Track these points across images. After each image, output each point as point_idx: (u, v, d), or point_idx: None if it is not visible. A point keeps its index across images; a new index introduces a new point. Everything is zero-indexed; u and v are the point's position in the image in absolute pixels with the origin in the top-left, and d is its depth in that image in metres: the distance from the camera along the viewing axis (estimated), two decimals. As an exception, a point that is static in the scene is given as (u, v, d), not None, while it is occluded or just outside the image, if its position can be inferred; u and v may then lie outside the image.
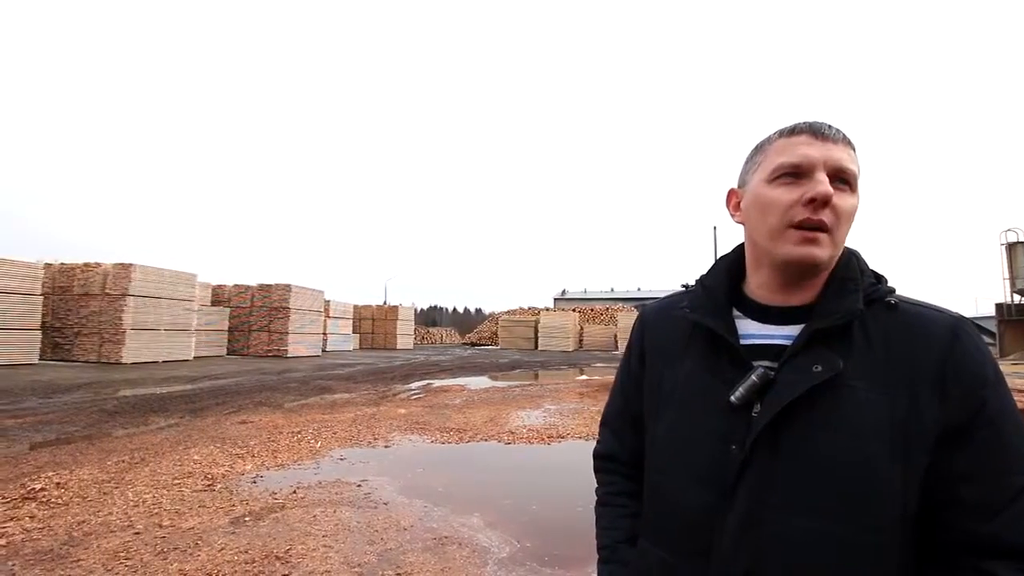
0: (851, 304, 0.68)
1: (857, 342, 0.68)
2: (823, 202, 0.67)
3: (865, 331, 0.68)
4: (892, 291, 0.72)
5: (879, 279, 0.74)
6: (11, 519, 3.32)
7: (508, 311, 42.54)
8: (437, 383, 12.34)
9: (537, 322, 34.32)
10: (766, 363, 0.70)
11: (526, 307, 43.38)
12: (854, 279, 0.71)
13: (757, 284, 0.77)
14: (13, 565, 2.72)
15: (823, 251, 0.68)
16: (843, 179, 0.69)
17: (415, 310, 39.19)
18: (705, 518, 0.69)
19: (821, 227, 0.68)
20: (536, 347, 33.15)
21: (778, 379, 0.68)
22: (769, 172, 0.72)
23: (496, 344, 37.35)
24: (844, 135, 0.71)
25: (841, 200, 0.68)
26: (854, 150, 0.72)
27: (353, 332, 28.70)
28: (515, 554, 3.08)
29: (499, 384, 12.56)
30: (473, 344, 40.68)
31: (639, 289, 59.28)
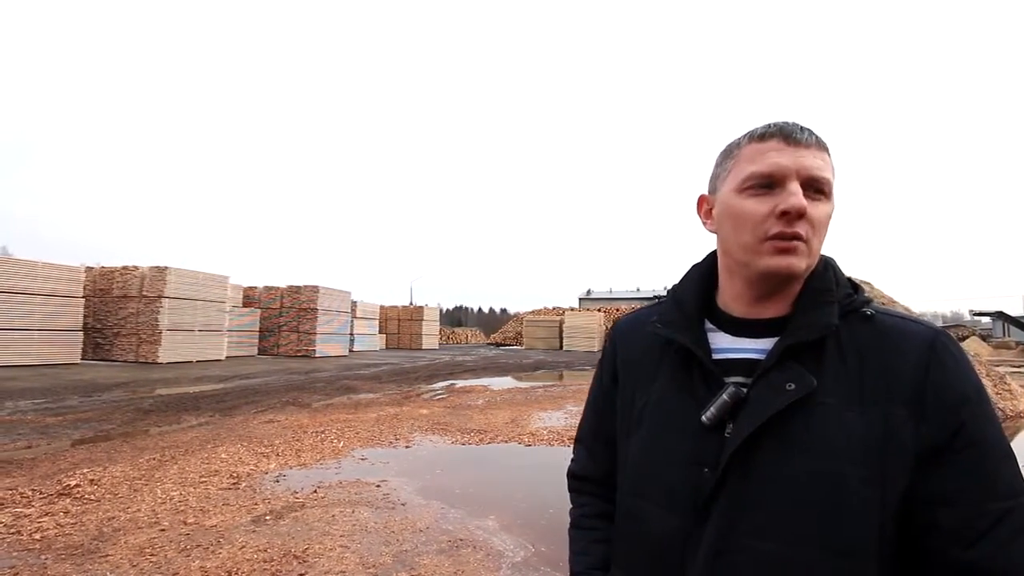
0: (826, 318, 0.66)
1: (831, 357, 0.65)
2: (797, 215, 0.64)
3: (839, 345, 0.65)
4: (868, 301, 0.69)
5: (856, 288, 0.71)
6: (46, 514, 3.46)
7: (533, 311, 42.50)
8: (460, 383, 12.40)
9: (562, 322, 34.15)
10: (738, 379, 0.68)
11: (551, 307, 43.25)
12: (829, 290, 0.68)
13: (730, 295, 0.74)
14: (46, 559, 2.84)
15: (800, 261, 0.66)
16: (817, 188, 0.67)
17: (440, 310, 39.47)
18: (677, 543, 0.67)
19: (796, 238, 0.65)
20: (561, 347, 33.01)
21: (750, 397, 0.65)
22: (740, 181, 0.69)
23: (521, 344, 37.33)
24: (817, 138, 0.68)
25: (815, 209, 0.66)
26: (828, 153, 0.69)
27: (379, 332, 29.08)
28: (529, 559, 3.06)
29: (522, 385, 12.56)
30: (498, 344, 40.74)
31: (665, 289, 58.28)
